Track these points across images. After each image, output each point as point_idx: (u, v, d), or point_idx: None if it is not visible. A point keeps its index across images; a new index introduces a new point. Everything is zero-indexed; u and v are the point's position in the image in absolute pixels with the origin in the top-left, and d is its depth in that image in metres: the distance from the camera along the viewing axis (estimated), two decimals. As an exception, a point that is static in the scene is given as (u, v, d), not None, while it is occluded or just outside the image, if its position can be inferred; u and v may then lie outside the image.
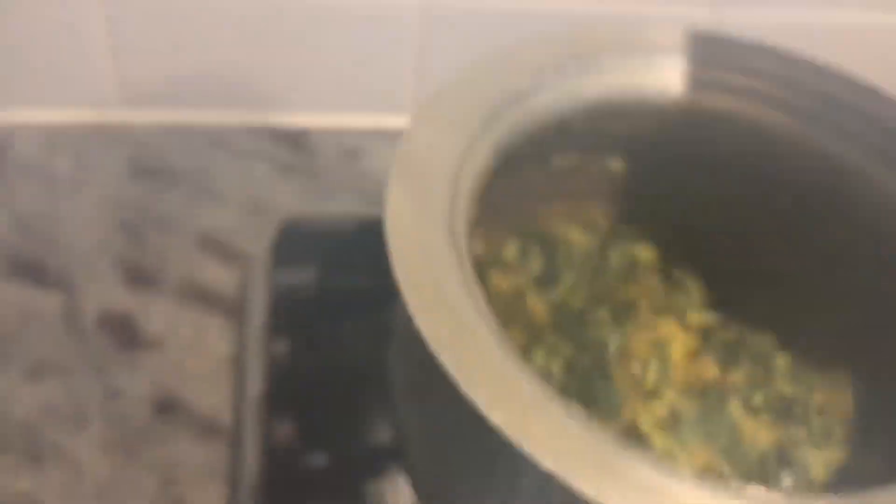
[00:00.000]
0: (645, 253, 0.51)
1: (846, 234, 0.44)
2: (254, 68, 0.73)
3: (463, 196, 0.38)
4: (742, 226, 0.49)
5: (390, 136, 0.66)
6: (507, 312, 0.46)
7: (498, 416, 0.28)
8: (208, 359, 0.60)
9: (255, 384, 0.55)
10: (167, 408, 0.57)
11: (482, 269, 0.49)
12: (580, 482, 0.27)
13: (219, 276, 0.64)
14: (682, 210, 0.52)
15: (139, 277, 0.64)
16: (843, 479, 0.43)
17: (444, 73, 0.68)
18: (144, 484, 0.53)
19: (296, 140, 0.75)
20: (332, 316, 0.56)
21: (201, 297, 0.63)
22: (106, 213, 0.67)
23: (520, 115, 0.42)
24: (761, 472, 0.43)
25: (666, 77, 0.45)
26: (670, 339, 0.48)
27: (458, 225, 0.36)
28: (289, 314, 0.56)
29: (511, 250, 0.50)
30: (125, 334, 0.60)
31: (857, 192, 0.44)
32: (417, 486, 0.40)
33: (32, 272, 0.63)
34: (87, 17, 0.68)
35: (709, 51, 0.44)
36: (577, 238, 0.51)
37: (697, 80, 0.46)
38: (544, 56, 0.44)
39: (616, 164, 0.51)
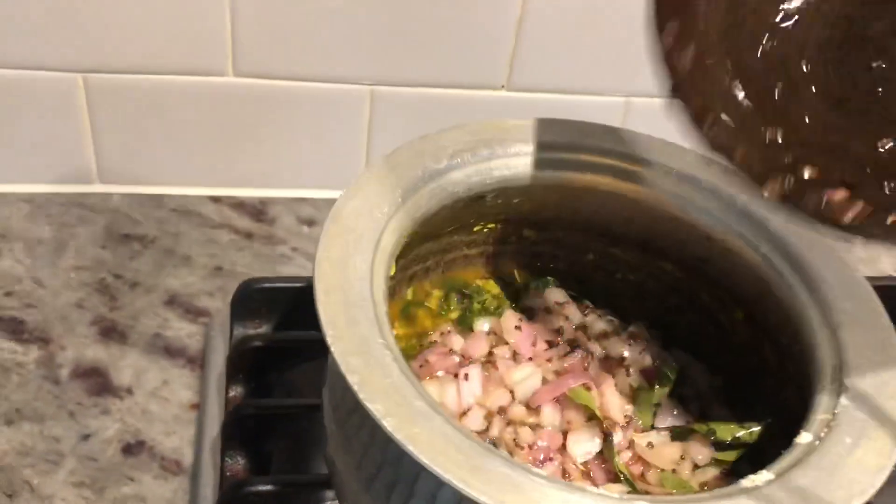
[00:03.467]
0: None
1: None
2: (221, 147, 0.82)
3: (383, 254, 0.46)
4: (632, 276, 0.58)
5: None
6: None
7: (390, 422, 0.36)
8: (172, 405, 0.66)
9: (214, 426, 0.62)
10: (134, 449, 0.63)
11: (411, 310, 0.57)
12: (449, 475, 0.34)
13: (184, 331, 0.71)
14: (586, 270, 0.61)
15: (112, 333, 0.71)
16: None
17: (389, 149, 0.77)
18: (111, 518, 0.59)
19: (257, 210, 0.83)
20: (282, 364, 0.64)
21: (167, 349, 0.70)
22: (83, 275, 0.75)
23: (436, 189, 0.50)
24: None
25: (560, 162, 0.54)
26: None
27: (378, 277, 0.44)
28: (244, 363, 0.63)
29: (434, 298, 0.57)
30: (97, 383, 0.67)
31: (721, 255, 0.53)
32: (342, 500, 0.47)
33: (14, 329, 0.69)
34: (71, 104, 0.76)
35: (601, 141, 0.53)
36: (493, 289, 0.59)
37: (591, 165, 0.54)
38: (461, 141, 0.53)
39: (529, 232, 0.60)
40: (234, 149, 0.82)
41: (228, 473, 0.57)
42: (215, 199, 0.84)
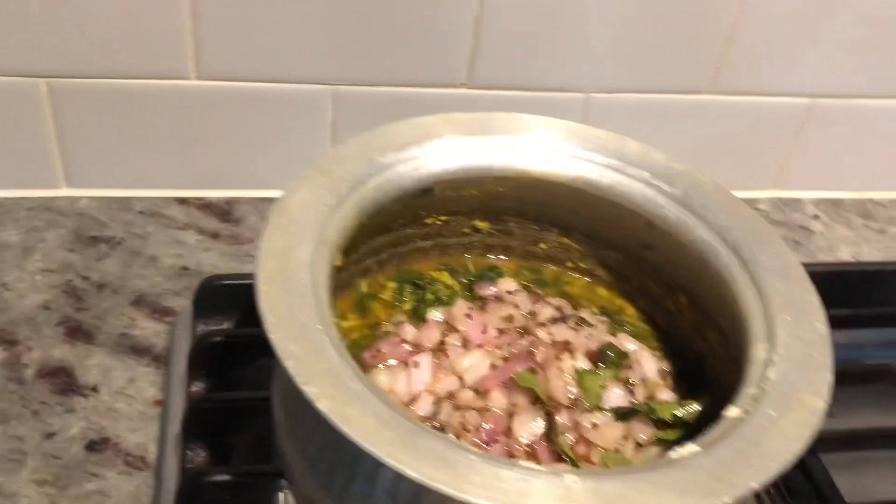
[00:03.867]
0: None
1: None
2: (187, 149, 0.83)
3: (327, 244, 0.47)
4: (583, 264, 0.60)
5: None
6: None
7: (325, 403, 0.37)
8: (137, 402, 0.67)
9: (178, 421, 0.63)
10: (98, 446, 0.64)
11: (366, 302, 0.58)
12: (382, 452, 0.35)
13: (150, 330, 0.72)
14: (539, 260, 0.62)
15: (78, 333, 0.72)
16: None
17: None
18: (75, 514, 0.60)
19: (223, 210, 0.85)
20: (244, 359, 0.65)
21: (134, 348, 0.71)
22: (50, 277, 0.76)
23: (383, 182, 0.52)
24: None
25: (508, 154, 0.55)
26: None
27: (321, 267, 0.45)
28: (206, 359, 0.64)
29: (389, 290, 0.59)
30: (62, 383, 0.68)
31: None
32: (292, 485, 0.48)
33: (-20, 331, 0.70)
34: (35, 109, 0.77)
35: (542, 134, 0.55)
36: (447, 280, 0.60)
37: (536, 156, 0.56)
38: (408, 134, 0.54)
39: (481, 224, 0.61)
40: (199, 150, 0.83)
41: (189, 466, 0.58)
42: (182, 201, 0.85)
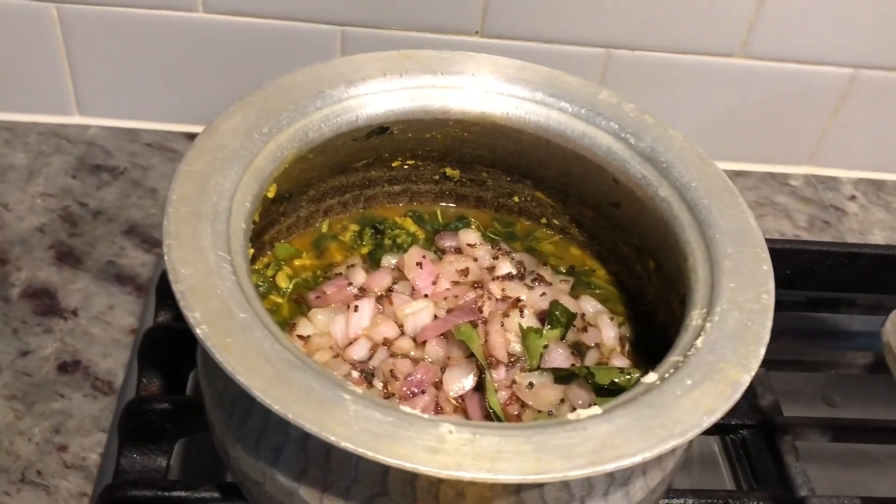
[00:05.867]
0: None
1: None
2: (196, 84, 0.82)
3: (257, 173, 0.45)
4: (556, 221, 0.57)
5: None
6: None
7: (203, 330, 0.36)
8: (114, 329, 0.68)
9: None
10: (69, 368, 0.65)
11: (324, 243, 0.57)
12: (250, 384, 0.34)
13: (137, 260, 0.73)
14: (512, 213, 0.59)
15: (67, 258, 0.72)
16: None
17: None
18: (35, 430, 0.61)
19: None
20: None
21: (118, 277, 0.72)
22: (49, 202, 0.77)
23: (330, 115, 0.50)
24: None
25: (469, 97, 0.52)
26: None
27: (244, 195, 0.44)
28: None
29: (349, 232, 0.57)
30: (44, 304, 0.69)
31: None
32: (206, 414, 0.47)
33: (-26, 248, 0.72)
34: (47, 34, 0.78)
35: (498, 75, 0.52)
36: (410, 227, 0.58)
37: (503, 101, 0.53)
38: (365, 69, 0.52)
39: (451, 171, 0.59)
40: (208, 85, 0.83)
41: (144, 393, 0.58)
42: (190, 136, 0.85)
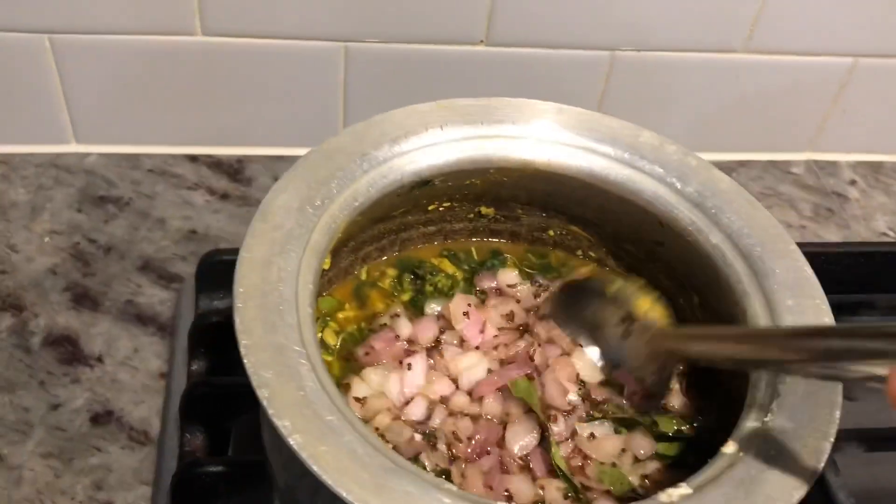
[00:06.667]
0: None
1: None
2: (197, 106, 0.80)
3: (314, 251, 0.45)
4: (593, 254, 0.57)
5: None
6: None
7: (297, 439, 0.36)
8: (142, 374, 0.67)
9: (179, 399, 0.63)
10: (102, 419, 0.64)
11: (364, 291, 0.57)
12: (351, 496, 0.34)
13: (156, 298, 0.72)
14: (546, 246, 0.59)
15: (84, 300, 0.71)
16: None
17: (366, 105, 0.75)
18: (77, 488, 0.60)
19: (234, 169, 0.83)
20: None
21: (139, 317, 0.70)
22: (57, 239, 0.75)
23: (377, 177, 0.49)
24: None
25: (510, 145, 0.52)
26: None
27: (306, 276, 0.43)
28: (206, 338, 0.63)
29: (388, 278, 0.57)
30: (68, 352, 0.68)
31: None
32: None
33: (-13, 296, 0.70)
34: (40, 64, 0.75)
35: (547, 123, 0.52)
36: (448, 268, 0.58)
37: (542, 147, 0.53)
38: (405, 124, 0.51)
39: (486, 210, 0.59)
40: (209, 107, 0.81)
41: (187, 449, 0.58)
42: (192, 159, 0.83)
